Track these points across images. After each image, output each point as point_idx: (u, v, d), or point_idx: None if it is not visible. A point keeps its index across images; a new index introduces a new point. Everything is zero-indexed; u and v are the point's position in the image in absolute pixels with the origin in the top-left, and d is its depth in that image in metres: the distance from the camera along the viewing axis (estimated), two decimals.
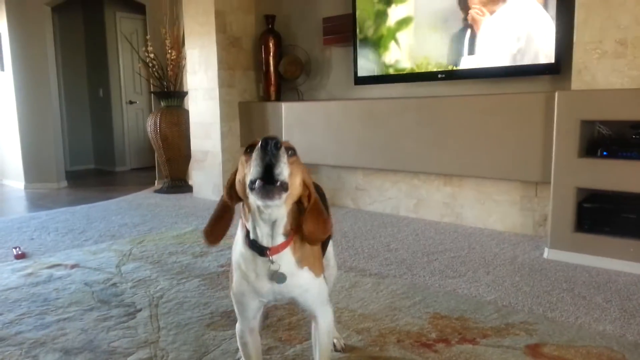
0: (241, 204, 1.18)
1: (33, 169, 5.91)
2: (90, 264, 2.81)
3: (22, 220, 4.06)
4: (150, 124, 5.27)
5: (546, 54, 2.97)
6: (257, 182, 1.01)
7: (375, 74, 3.78)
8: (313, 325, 1.35)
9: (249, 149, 1.07)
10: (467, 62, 3.30)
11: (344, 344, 1.80)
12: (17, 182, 6.06)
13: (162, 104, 5.34)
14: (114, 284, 2.48)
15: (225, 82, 4.65)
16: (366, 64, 3.82)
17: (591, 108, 2.64)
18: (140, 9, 6.38)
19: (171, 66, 5.24)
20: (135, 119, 7.75)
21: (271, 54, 4.52)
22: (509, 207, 3.37)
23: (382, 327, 1.96)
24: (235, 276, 1.25)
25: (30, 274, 2.65)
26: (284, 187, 1.03)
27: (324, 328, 1.33)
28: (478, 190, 3.50)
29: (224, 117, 4.68)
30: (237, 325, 1.34)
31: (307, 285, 1.24)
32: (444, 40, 3.38)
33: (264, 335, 1.84)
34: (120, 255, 2.95)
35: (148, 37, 5.48)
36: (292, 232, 1.18)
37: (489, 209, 3.47)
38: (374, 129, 3.65)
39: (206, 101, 4.76)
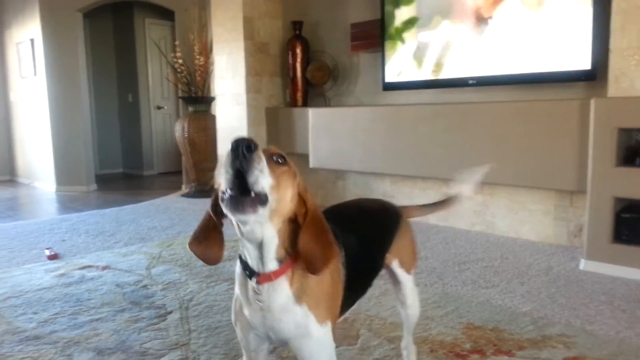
0: None
1: (64, 172, 6.02)
2: (120, 265, 2.83)
3: (53, 222, 4.13)
4: (179, 129, 5.33)
5: (581, 60, 2.91)
6: (227, 193, 0.85)
7: (404, 80, 3.75)
8: None
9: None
10: (499, 68, 3.25)
11: None
12: (48, 185, 6.18)
13: (190, 109, 5.40)
14: (145, 286, 2.49)
15: (253, 88, 4.68)
16: (394, 70, 3.80)
17: (629, 116, 2.56)
18: (169, 16, 6.47)
19: (199, 72, 5.29)
20: (163, 124, 7.85)
21: (298, 60, 4.53)
22: (542, 217, 3.30)
23: (415, 336, 1.92)
24: (233, 303, 1.10)
25: (62, 275, 2.68)
26: (261, 199, 0.85)
27: None
28: (511, 199, 3.43)
29: (251, 123, 4.70)
30: (243, 358, 1.15)
31: (303, 328, 1.00)
32: (474, 45, 3.34)
33: None
34: (149, 258, 2.97)
35: (177, 43, 5.55)
36: (291, 259, 0.98)
37: (522, 218, 3.40)
38: (403, 135, 3.62)
39: (233, 107, 4.79)
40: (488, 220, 3.56)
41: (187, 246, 1.02)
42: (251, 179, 0.83)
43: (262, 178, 0.84)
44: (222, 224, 1.00)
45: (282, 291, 0.97)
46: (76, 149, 6.01)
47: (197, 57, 5.25)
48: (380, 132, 3.76)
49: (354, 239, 1.07)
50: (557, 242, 3.23)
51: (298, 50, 4.52)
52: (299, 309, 0.98)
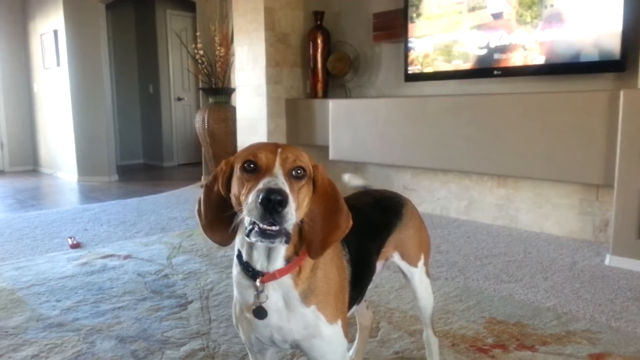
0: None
1: (86, 163, 6.10)
2: (142, 255, 2.86)
3: (75, 211, 4.18)
4: (199, 120, 5.34)
5: (610, 51, 2.83)
6: (255, 226, 0.83)
7: (427, 71, 3.70)
8: None
9: (246, 164, 0.88)
10: (524, 59, 3.18)
11: None
12: (70, 175, 6.27)
13: (210, 100, 5.41)
14: (166, 276, 2.51)
15: (273, 79, 4.66)
16: (417, 61, 3.74)
17: None
18: (191, 7, 6.49)
19: (220, 63, 5.30)
20: (183, 115, 7.90)
21: (319, 50, 4.49)
22: (567, 211, 3.23)
23: (436, 330, 1.88)
24: (233, 305, 1.05)
25: (85, 263, 2.71)
26: (288, 232, 0.85)
27: None
28: (535, 192, 3.37)
29: (271, 114, 4.69)
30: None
31: (313, 329, 0.96)
32: (500, 35, 3.27)
33: None
34: (170, 248, 2.99)
35: (198, 34, 5.56)
36: (298, 257, 0.94)
37: (545, 213, 3.33)
38: (424, 127, 3.57)
39: (253, 98, 4.78)
40: (511, 214, 3.51)
41: (203, 232, 0.97)
42: (283, 225, 0.82)
43: (291, 215, 0.82)
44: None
45: (287, 290, 0.94)
46: (98, 139, 6.08)
47: (218, 48, 5.25)
48: (402, 124, 3.72)
49: (352, 235, 1.02)
50: (581, 237, 3.17)
51: (319, 41, 4.48)
52: (308, 310, 0.95)
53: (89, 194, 5.20)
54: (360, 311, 1.63)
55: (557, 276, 2.50)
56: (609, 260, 2.67)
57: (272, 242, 0.83)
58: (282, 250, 0.92)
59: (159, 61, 7.62)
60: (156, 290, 2.31)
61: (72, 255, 2.86)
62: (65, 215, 4.01)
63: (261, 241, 0.83)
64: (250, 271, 0.94)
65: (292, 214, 0.81)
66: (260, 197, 0.79)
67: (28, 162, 7.30)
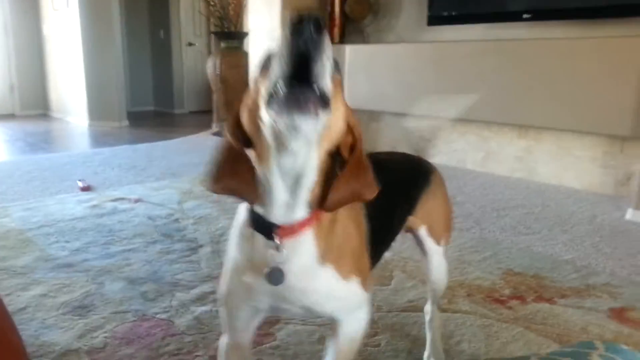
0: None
1: (96, 107, 6.04)
2: (152, 199, 2.82)
3: (86, 155, 4.15)
4: (210, 66, 5.22)
5: None
6: (280, 86, 0.63)
7: (452, 13, 3.50)
8: (332, 330, 0.93)
9: (268, 62, 0.68)
10: (554, 1, 2.99)
11: None
12: (80, 120, 6.22)
13: (222, 45, 5.25)
14: (176, 220, 2.47)
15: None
16: (441, 3, 3.54)
17: None
18: None
19: (233, 5, 5.11)
20: (194, 61, 7.74)
21: None
22: (588, 164, 3.12)
23: (451, 279, 1.84)
24: (227, 272, 0.87)
25: (95, 206, 2.68)
26: (324, 100, 0.64)
27: (347, 335, 0.90)
28: (557, 144, 3.25)
29: None
30: (221, 338, 0.94)
31: (327, 290, 0.83)
32: None
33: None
34: (181, 193, 2.95)
35: None
36: (318, 208, 0.77)
37: (565, 165, 3.23)
38: (446, 74, 3.42)
39: (267, 43, 4.62)
40: (530, 166, 3.40)
41: (212, 187, 0.77)
42: (318, 68, 0.62)
43: (327, 72, 0.63)
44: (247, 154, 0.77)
45: (306, 249, 0.78)
46: (108, 84, 5.98)
47: None
48: (422, 71, 3.57)
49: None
50: (602, 190, 3.07)
51: None
52: (324, 271, 0.80)
53: (99, 139, 5.16)
54: None
55: (576, 229, 2.43)
56: (630, 214, 2.59)
57: (305, 112, 0.62)
58: (308, 189, 0.74)
59: (169, 4, 7.40)
60: (167, 233, 2.28)
61: (82, 198, 2.83)
62: (75, 158, 3.98)
63: (288, 112, 0.63)
64: (263, 224, 0.77)
65: (328, 73, 0.64)
66: (291, 23, 0.61)
67: (38, 105, 7.24)
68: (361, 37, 4.32)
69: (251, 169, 0.75)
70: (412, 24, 3.97)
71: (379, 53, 3.84)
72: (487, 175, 3.52)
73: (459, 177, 3.46)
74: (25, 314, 1.55)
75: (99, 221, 2.44)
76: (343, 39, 4.40)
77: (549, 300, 1.70)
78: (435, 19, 3.61)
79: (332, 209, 0.77)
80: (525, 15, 3.12)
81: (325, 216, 0.79)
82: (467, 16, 3.43)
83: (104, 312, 1.57)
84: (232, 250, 0.85)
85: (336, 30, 4.37)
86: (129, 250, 2.08)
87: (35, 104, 7.22)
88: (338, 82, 0.71)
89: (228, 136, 0.77)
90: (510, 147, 3.49)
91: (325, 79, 0.63)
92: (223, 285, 0.87)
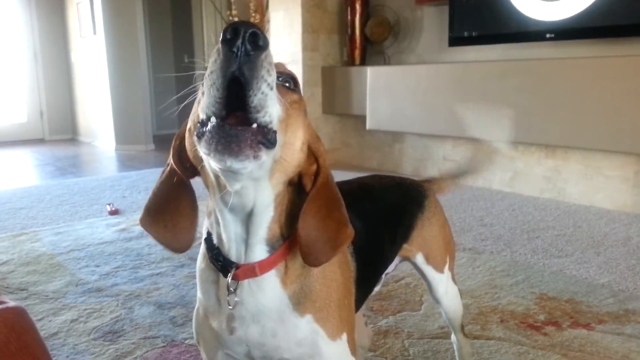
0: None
1: (123, 132, 6.15)
2: None
3: (114, 179, 4.21)
4: None
5: None
6: (210, 120, 0.53)
7: (473, 34, 3.50)
8: None
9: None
10: (578, 21, 2.96)
11: None
12: (108, 144, 6.34)
13: None
14: None
15: (309, 46, 4.53)
16: (463, 24, 3.55)
17: None
18: None
19: None
20: None
21: (357, 15, 4.33)
22: (620, 184, 3.05)
23: (482, 304, 1.81)
24: (195, 313, 0.78)
25: (123, 230, 2.71)
26: (268, 136, 0.54)
27: None
28: (585, 164, 3.19)
29: (306, 83, 4.58)
30: None
31: (310, 347, 0.70)
32: None
33: None
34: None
35: (232, 0, 5.45)
36: (285, 247, 0.67)
37: (596, 185, 3.16)
38: (468, 95, 3.41)
39: (289, 66, 4.66)
40: (559, 186, 3.34)
41: (139, 223, 0.69)
42: (256, 97, 0.51)
43: (272, 101, 0.52)
44: (189, 184, 0.69)
45: (271, 291, 0.67)
46: (134, 108, 6.10)
47: (253, 14, 5.14)
48: (443, 92, 3.56)
49: (360, 224, 0.79)
50: (635, 211, 2.99)
51: (357, 5, 4.32)
52: (302, 320, 0.69)
53: (126, 162, 5.25)
54: (358, 328, 1.26)
55: (610, 251, 2.36)
56: None
57: (239, 156, 0.51)
58: (263, 226, 0.64)
59: (193, 29, 7.56)
60: (194, 257, 2.28)
61: (111, 222, 2.87)
62: (103, 182, 4.04)
63: (217, 154, 0.51)
64: (220, 262, 0.67)
65: (273, 101, 0.53)
66: (221, 37, 0.51)
67: (67, 130, 7.42)
68: (382, 59, 4.34)
69: (189, 206, 0.68)
70: (433, 45, 3.98)
71: (401, 74, 3.85)
72: (515, 196, 3.46)
73: (487, 197, 3.41)
74: (57, 339, 1.56)
75: (127, 245, 2.46)
76: (364, 61, 4.43)
77: (586, 326, 1.65)
78: (456, 40, 3.61)
79: (316, 264, 0.66)
80: (548, 35, 3.10)
81: (297, 255, 0.68)
82: (489, 37, 3.42)
83: (133, 338, 1.57)
84: (198, 288, 0.75)
85: (357, 52, 4.41)
86: (157, 274, 2.08)
87: (64, 129, 7.40)
88: (296, 103, 0.62)
89: (171, 162, 0.67)
90: (537, 167, 3.43)
91: (267, 108, 0.53)
92: (194, 326, 0.78)
